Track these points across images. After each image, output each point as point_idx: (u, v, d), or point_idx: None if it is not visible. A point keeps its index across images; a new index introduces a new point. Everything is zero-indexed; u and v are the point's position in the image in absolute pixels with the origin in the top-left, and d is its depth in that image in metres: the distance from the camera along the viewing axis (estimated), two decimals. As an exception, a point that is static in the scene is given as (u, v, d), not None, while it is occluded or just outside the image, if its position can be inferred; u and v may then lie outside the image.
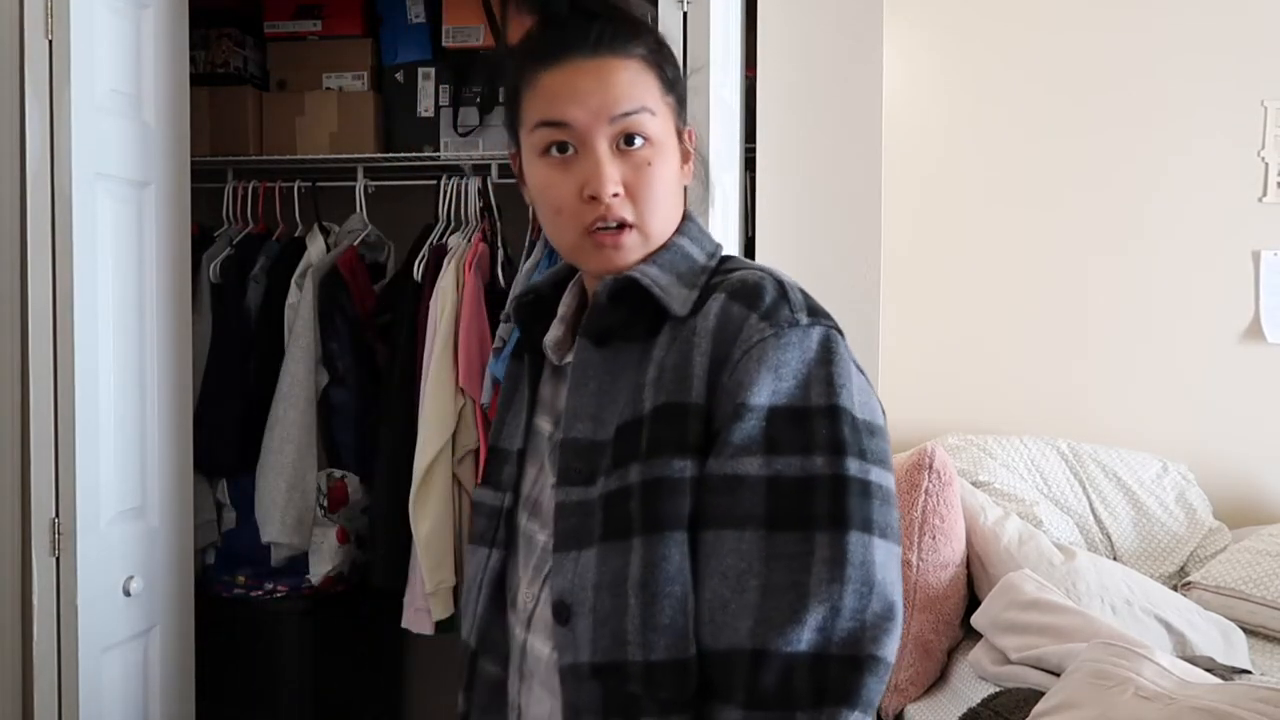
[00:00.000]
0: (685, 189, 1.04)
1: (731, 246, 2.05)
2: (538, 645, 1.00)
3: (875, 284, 2.02)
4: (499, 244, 2.52)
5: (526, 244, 2.50)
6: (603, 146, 0.94)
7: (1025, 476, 2.46)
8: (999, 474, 2.42)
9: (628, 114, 0.95)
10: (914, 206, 2.72)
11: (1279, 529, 2.36)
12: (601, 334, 0.99)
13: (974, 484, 2.35)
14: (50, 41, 1.71)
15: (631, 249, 0.97)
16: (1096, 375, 2.73)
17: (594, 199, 0.94)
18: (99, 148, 1.77)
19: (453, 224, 2.54)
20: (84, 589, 1.74)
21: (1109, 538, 2.45)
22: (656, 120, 0.97)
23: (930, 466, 2.07)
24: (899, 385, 2.57)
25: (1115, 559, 2.41)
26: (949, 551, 2.08)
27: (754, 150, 2.03)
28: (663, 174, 0.97)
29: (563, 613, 0.94)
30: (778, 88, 2.02)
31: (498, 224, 2.54)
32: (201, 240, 2.52)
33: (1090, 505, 2.47)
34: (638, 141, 0.95)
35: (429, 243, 2.45)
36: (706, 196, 1.11)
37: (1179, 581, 2.35)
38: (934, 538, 2.06)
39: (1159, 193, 2.70)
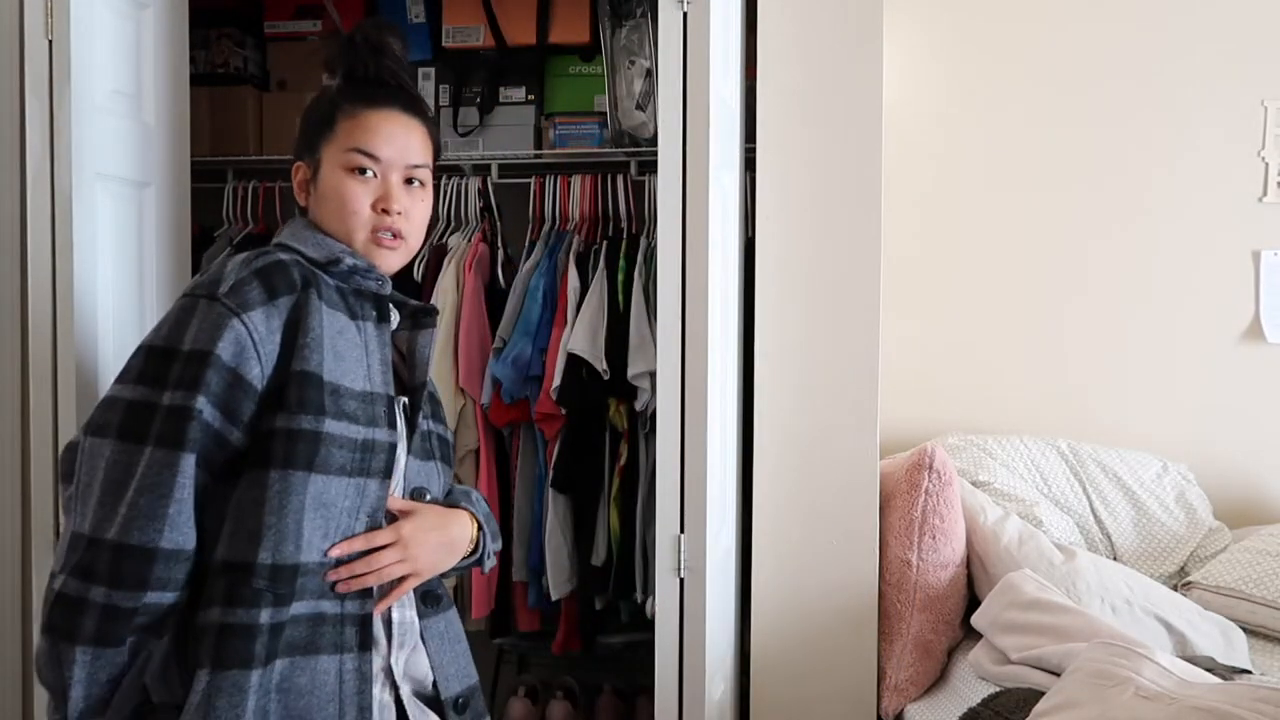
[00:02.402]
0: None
1: (731, 246, 2.05)
2: None
3: (875, 284, 2.02)
4: (499, 244, 2.53)
5: (526, 244, 2.51)
6: (395, 178, 1.34)
7: (1025, 476, 2.46)
8: (999, 474, 2.42)
9: (415, 165, 1.36)
10: (914, 206, 2.72)
11: (1279, 529, 2.36)
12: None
13: (974, 484, 2.36)
14: (50, 41, 1.71)
15: (400, 254, 1.36)
16: (1097, 375, 2.73)
17: (385, 212, 1.33)
18: (99, 148, 1.77)
19: (452, 224, 2.54)
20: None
21: (1109, 538, 2.45)
22: (427, 172, 1.39)
23: (930, 466, 2.07)
24: (899, 385, 2.57)
25: (1115, 559, 2.41)
26: (949, 551, 2.08)
27: (754, 150, 2.03)
28: (426, 209, 1.39)
29: None
30: (778, 88, 2.02)
31: (498, 224, 2.54)
32: (201, 240, 2.52)
33: (1090, 505, 2.47)
34: (415, 184, 1.37)
35: (429, 242, 2.46)
36: None
37: (1179, 581, 2.35)
38: (934, 538, 2.06)
39: (1159, 193, 2.70)
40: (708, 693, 1.81)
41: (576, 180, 2.48)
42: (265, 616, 1.18)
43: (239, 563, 1.18)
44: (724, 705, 2.00)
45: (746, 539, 2.11)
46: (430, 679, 1.36)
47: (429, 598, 1.38)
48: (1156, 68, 2.69)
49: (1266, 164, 2.68)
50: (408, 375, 1.43)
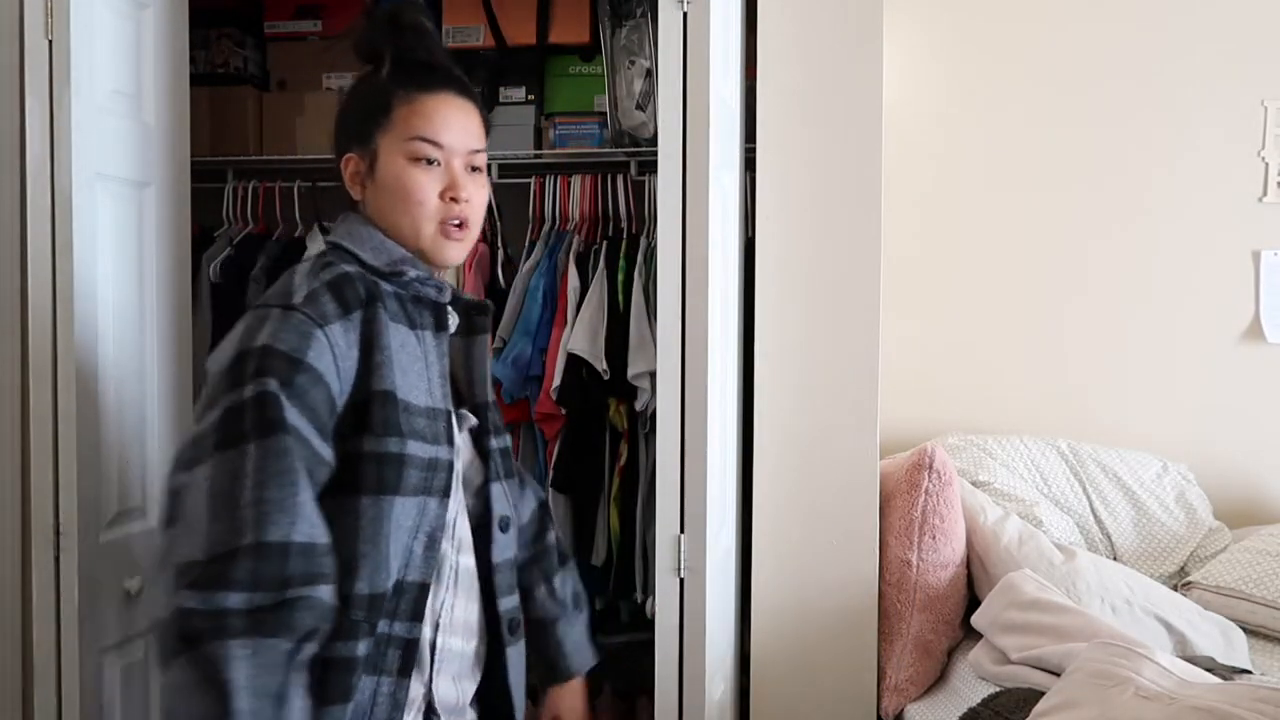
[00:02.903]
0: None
1: (731, 246, 2.05)
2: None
3: (875, 284, 2.02)
4: (499, 244, 2.53)
5: (526, 244, 2.51)
6: (458, 164, 1.29)
7: (1025, 476, 2.46)
8: (999, 474, 2.42)
9: (475, 151, 1.32)
10: (914, 206, 2.72)
11: (1279, 529, 2.36)
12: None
13: (974, 484, 2.35)
14: (50, 41, 1.71)
15: (465, 245, 1.31)
16: (1097, 375, 2.73)
17: (454, 200, 1.28)
18: (99, 148, 1.77)
19: (453, 224, 2.53)
20: (84, 589, 1.74)
21: (1109, 538, 2.45)
22: (484, 156, 1.34)
23: (930, 466, 2.07)
24: (899, 385, 2.57)
25: (1115, 559, 2.41)
26: (949, 551, 2.08)
27: (754, 150, 2.03)
28: (485, 195, 1.34)
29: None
30: (778, 88, 2.02)
31: (498, 224, 2.54)
32: (201, 240, 2.52)
33: (1090, 505, 2.47)
34: (475, 170, 1.32)
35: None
36: None
37: (1179, 581, 2.35)
38: (934, 538, 2.06)
39: (1159, 193, 2.70)
40: (708, 693, 1.81)
41: (576, 180, 2.48)
42: (362, 649, 1.16)
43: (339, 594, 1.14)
44: (724, 705, 2.00)
45: (746, 539, 2.11)
46: (463, 707, 1.32)
47: (513, 625, 1.35)
48: (1156, 68, 2.69)
49: (1266, 164, 2.68)
50: (467, 390, 1.37)
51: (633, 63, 2.46)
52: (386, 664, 1.19)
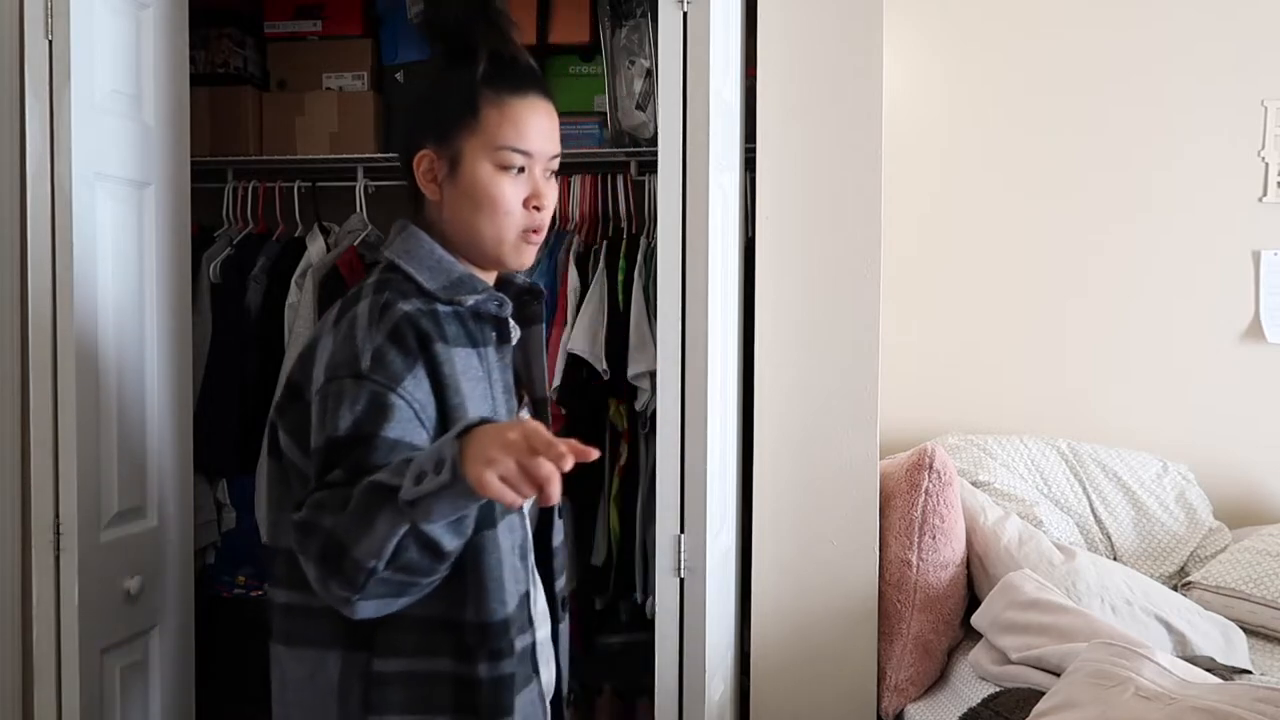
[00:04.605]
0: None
1: (732, 246, 2.05)
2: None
3: (875, 284, 2.02)
4: (499, 244, 2.52)
5: (526, 244, 2.50)
6: (539, 171, 1.25)
7: (1025, 476, 2.46)
8: (999, 474, 2.42)
9: (554, 156, 1.28)
10: (914, 206, 2.72)
11: (1279, 529, 2.36)
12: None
13: (974, 484, 2.36)
14: (50, 41, 1.71)
15: (537, 249, 1.30)
16: (1097, 375, 2.73)
17: (538, 209, 1.25)
18: (99, 148, 1.77)
19: (453, 224, 2.53)
20: (84, 589, 1.74)
21: (1109, 538, 2.45)
22: (558, 160, 1.30)
23: (930, 466, 2.07)
24: (899, 385, 2.57)
25: (1115, 559, 2.41)
26: (949, 551, 2.08)
27: (754, 150, 2.03)
28: (555, 196, 1.30)
29: None
30: (778, 88, 2.02)
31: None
32: (201, 240, 2.52)
33: (1090, 505, 2.47)
34: (551, 175, 1.28)
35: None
36: None
37: (1179, 581, 2.35)
38: (934, 538, 2.06)
39: (1159, 193, 2.70)
40: (708, 693, 1.81)
41: (576, 180, 2.48)
42: (508, 666, 1.19)
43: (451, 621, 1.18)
44: (724, 705, 2.00)
45: (746, 539, 2.11)
46: (552, 688, 1.36)
47: (563, 603, 1.39)
48: (1156, 68, 2.69)
49: (1266, 164, 2.68)
50: (528, 387, 1.38)
51: (633, 63, 2.46)
52: (526, 671, 1.24)
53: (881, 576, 2.07)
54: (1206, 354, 2.70)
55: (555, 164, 1.28)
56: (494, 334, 1.26)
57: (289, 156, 2.58)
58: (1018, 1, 2.73)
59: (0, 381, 1.82)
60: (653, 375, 2.13)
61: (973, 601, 2.13)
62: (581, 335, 2.31)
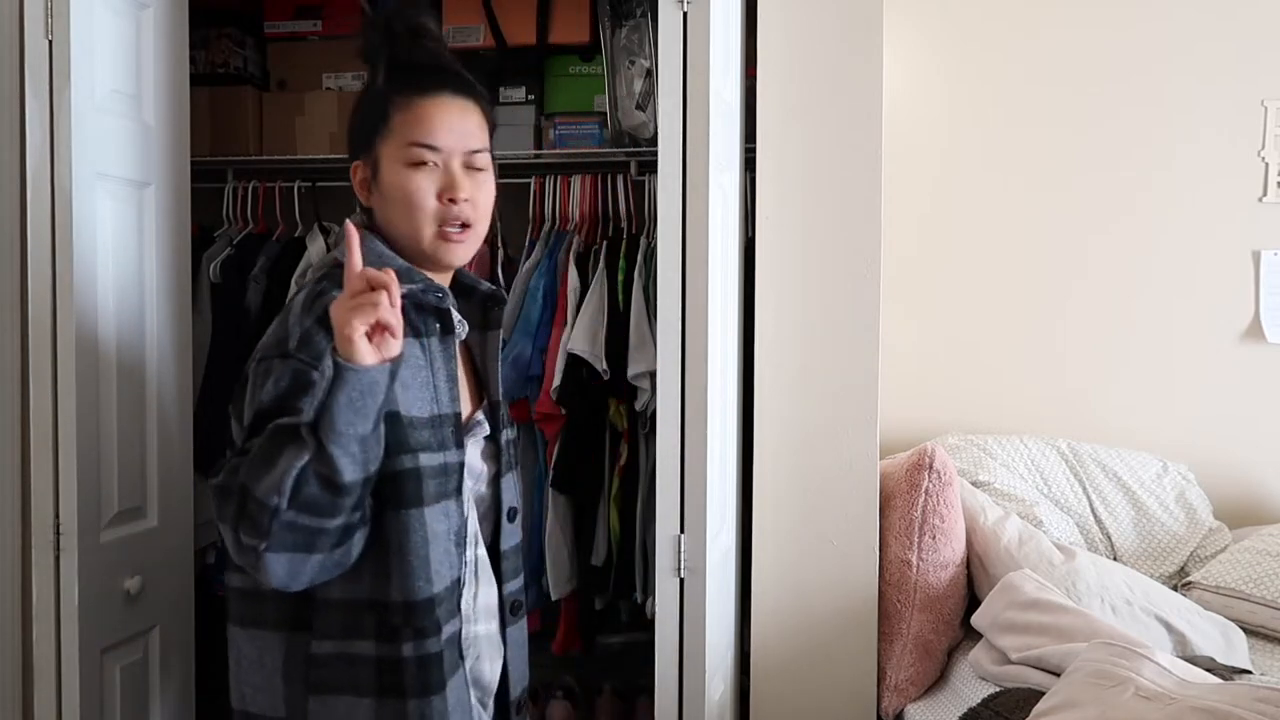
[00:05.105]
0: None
1: (732, 246, 2.05)
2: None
3: (875, 284, 2.02)
4: (499, 244, 2.53)
5: (526, 244, 2.51)
6: (456, 165, 1.29)
7: (1025, 476, 2.46)
8: (999, 474, 2.42)
9: (476, 151, 1.31)
10: (914, 206, 2.72)
11: (1279, 529, 2.36)
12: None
13: (974, 484, 2.36)
14: (50, 41, 1.71)
15: (469, 245, 1.32)
16: (1097, 375, 2.73)
17: (452, 201, 1.27)
18: (99, 148, 1.77)
19: (453, 224, 2.53)
20: (84, 589, 1.74)
21: (1109, 538, 2.45)
22: (487, 155, 1.33)
23: (930, 466, 2.07)
24: (900, 385, 2.57)
25: (1115, 559, 2.41)
26: (949, 551, 2.08)
27: (754, 150, 2.03)
28: (490, 193, 1.34)
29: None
30: (778, 88, 2.02)
31: (498, 224, 2.54)
32: (201, 240, 2.52)
33: (1090, 505, 2.47)
34: (477, 169, 1.31)
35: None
36: None
37: (1179, 581, 2.35)
38: (934, 538, 2.06)
39: (1159, 193, 2.70)
40: (708, 693, 1.81)
41: (576, 180, 2.48)
42: (435, 646, 1.23)
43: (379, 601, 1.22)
44: (724, 705, 2.00)
45: (746, 539, 2.11)
46: (493, 686, 1.39)
47: (515, 606, 1.41)
48: (1156, 67, 2.69)
49: (1266, 164, 2.68)
50: (484, 387, 1.42)
51: (633, 63, 2.45)
52: (454, 657, 1.28)
53: (881, 576, 2.07)
54: (1206, 354, 2.70)
55: (479, 159, 1.31)
56: (438, 325, 1.31)
57: (289, 156, 2.58)
58: (1017, 1, 2.73)
59: (0, 381, 1.82)
60: (653, 375, 2.13)
61: (973, 601, 2.13)
62: (581, 335, 2.31)
